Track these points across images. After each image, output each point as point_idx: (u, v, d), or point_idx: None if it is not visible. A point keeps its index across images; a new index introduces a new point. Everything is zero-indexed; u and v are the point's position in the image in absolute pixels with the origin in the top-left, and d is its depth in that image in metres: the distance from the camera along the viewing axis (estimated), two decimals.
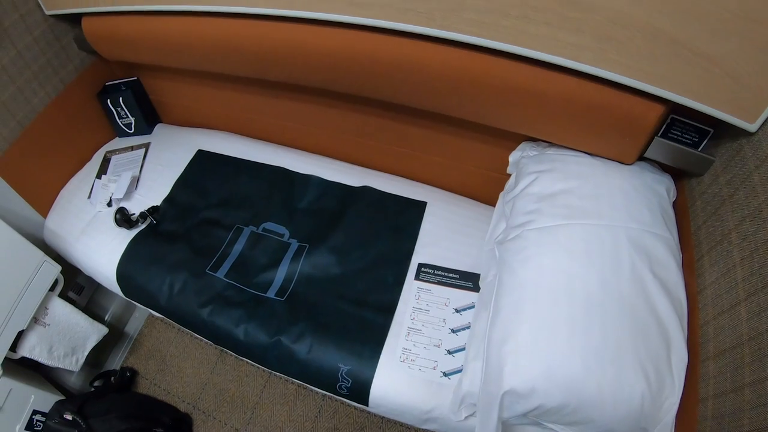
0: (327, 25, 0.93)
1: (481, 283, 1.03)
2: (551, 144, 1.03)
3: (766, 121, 0.73)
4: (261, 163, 1.38)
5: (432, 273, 1.10)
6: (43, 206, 1.39)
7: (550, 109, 0.91)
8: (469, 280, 1.07)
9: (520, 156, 1.08)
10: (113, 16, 1.21)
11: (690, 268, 0.83)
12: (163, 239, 1.23)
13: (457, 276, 1.08)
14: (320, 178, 1.31)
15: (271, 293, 1.11)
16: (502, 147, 1.11)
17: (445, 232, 1.16)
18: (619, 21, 0.73)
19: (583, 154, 0.99)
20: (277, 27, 0.98)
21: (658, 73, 0.77)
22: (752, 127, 0.74)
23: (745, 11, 0.65)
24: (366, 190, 1.26)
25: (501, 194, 1.10)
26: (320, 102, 1.24)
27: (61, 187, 1.44)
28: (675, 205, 0.94)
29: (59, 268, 1.21)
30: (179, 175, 1.38)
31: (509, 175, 1.12)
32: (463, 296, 1.06)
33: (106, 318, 1.58)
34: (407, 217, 1.19)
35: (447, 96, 0.97)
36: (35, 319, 1.15)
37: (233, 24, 1.02)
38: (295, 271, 1.14)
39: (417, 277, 1.10)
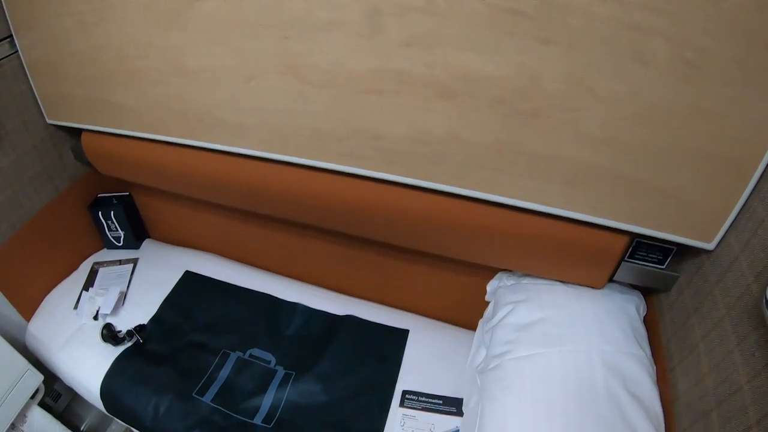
0: (318, 170, 1.00)
1: (464, 408, 1.06)
2: (526, 273, 1.10)
3: (722, 239, 0.80)
4: (248, 288, 1.42)
5: (416, 399, 1.12)
6: (27, 310, 1.39)
7: (524, 246, 0.98)
8: (452, 405, 1.10)
9: (497, 285, 1.15)
10: (113, 136, 1.27)
11: (664, 379, 0.88)
12: (149, 359, 1.24)
13: (441, 402, 1.11)
14: (306, 306, 1.36)
15: (258, 420, 1.12)
16: (481, 276, 1.18)
17: (428, 358, 1.21)
18: (584, 169, 0.82)
19: (557, 282, 1.06)
20: (270, 168, 1.04)
21: (621, 209, 0.85)
22: (710, 246, 0.82)
23: (696, 148, 0.74)
24: (350, 319, 1.32)
25: (480, 321, 1.15)
26: (307, 234, 1.30)
27: (47, 293, 1.45)
28: (646, 319, 1.00)
29: (42, 377, 1.21)
30: (166, 295, 1.42)
31: (488, 302, 1.17)
32: (448, 421, 1.08)
33: (82, 428, 1.54)
34: (391, 345, 1.24)
35: (428, 236, 1.04)
36: (13, 426, 1.14)
37: (229, 161, 1.08)
38: (282, 398, 1.16)
39: (402, 404, 1.12)
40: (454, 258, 1.10)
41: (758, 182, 0.73)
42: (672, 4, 0.66)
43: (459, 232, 1.00)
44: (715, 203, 0.77)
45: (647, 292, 1.04)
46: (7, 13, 1.25)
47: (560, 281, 1.05)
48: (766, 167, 0.72)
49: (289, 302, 1.37)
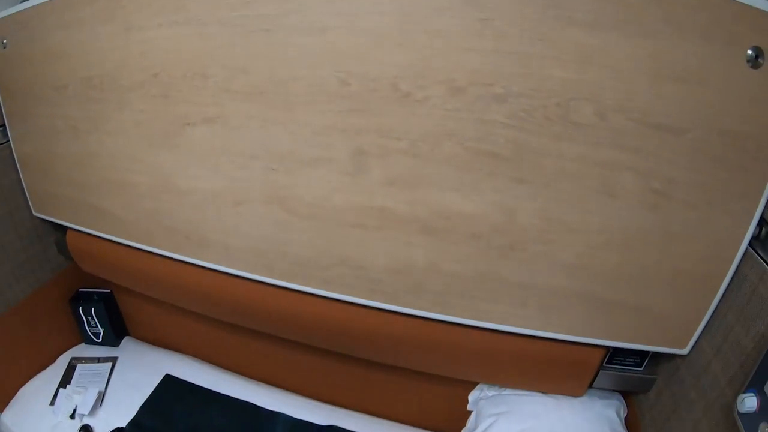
0: (303, 293, 1.01)
1: None
2: None
3: (695, 344, 0.83)
4: (229, 396, 1.39)
5: None
6: (1, 400, 1.34)
7: (503, 364, 1.00)
8: None
9: (478, 396, 1.15)
10: (98, 238, 1.26)
11: None
12: None
13: None
14: (288, 416, 1.33)
15: None
16: (462, 387, 1.18)
17: None
18: (559, 294, 0.85)
19: (537, 393, 1.06)
20: (255, 287, 1.05)
21: (596, 328, 0.87)
22: (684, 351, 0.84)
23: (667, 268, 0.78)
24: (333, 429, 1.29)
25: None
26: (290, 346, 1.29)
27: (22, 385, 1.41)
28: (627, 419, 1.01)
29: None
30: (146, 398, 1.38)
31: (470, 411, 1.16)
32: None
33: None
34: None
35: (410, 356, 1.05)
36: None
37: (214, 276, 1.08)
38: None
39: None
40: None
41: (726, 291, 0.77)
42: (639, 141, 0.72)
43: (439, 351, 1.01)
44: (687, 313, 0.81)
45: (627, 392, 1.05)
46: (0, 102, 1.27)
47: (541, 392, 1.05)
48: (733, 277, 0.76)
49: (271, 411, 1.34)
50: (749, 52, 0.65)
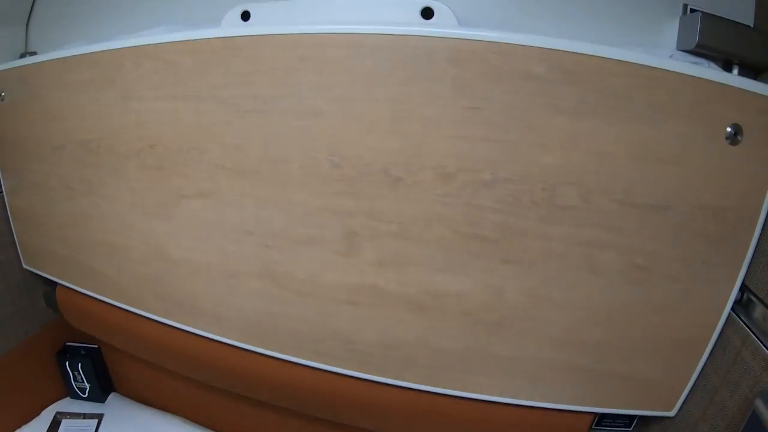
0: (294, 364, 1.01)
1: None
2: None
3: (682, 406, 0.83)
4: None
5: None
6: None
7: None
8: None
9: None
10: (89, 297, 1.26)
11: None
12: None
13: None
14: None
15: None
16: None
17: None
18: (546, 366, 0.86)
19: None
20: (247, 356, 1.04)
21: (584, 395, 0.88)
22: (671, 413, 0.85)
23: (651, 337, 0.80)
24: None
25: None
26: (281, 411, 1.28)
27: None
28: None
29: None
30: None
31: None
32: None
33: None
34: None
35: (401, 425, 1.04)
36: None
37: (205, 343, 1.08)
38: None
39: None
40: None
41: (710, 355, 0.79)
42: (622, 220, 0.74)
43: (430, 421, 1.01)
44: (673, 377, 0.82)
45: None
46: None
47: None
48: (717, 341, 0.78)
49: None
50: (728, 129, 0.68)
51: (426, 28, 0.76)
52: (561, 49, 0.71)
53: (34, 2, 1.40)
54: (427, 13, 0.80)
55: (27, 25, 1.42)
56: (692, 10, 0.83)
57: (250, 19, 0.89)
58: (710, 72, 0.69)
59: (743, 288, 0.75)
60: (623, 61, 0.69)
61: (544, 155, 0.75)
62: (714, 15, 0.80)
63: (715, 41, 0.78)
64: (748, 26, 0.80)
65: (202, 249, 0.98)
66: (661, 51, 0.82)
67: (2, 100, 1.29)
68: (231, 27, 0.89)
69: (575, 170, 0.74)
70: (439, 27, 0.77)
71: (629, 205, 0.74)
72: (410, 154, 0.79)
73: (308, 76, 0.81)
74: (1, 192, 1.39)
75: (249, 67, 0.85)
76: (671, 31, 0.84)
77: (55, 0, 1.37)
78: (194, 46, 0.90)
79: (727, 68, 0.79)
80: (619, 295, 0.79)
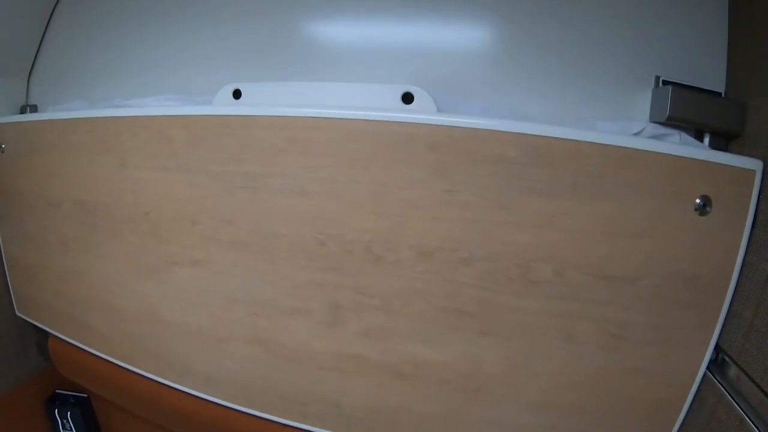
0: (281, 425, 1.03)
1: None
2: None
3: None
4: None
5: None
6: None
7: None
8: None
9: None
10: (81, 350, 1.28)
11: None
12: None
13: None
14: None
15: None
16: None
17: None
18: (525, 428, 0.88)
19: None
20: (235, 416, 1.07)
21: None
22: None
23: (627, 399, 0.82)
24: None
25: None
26: None
27: None
28: None
29: None
30: None
31: None
32: None
33: None
34: None
35: None
36: None
37: (195, 402, 1.10)
38: None
39: None
40: None
41: (687, 414, 0.81)
42: (595, 292, 0.77)
43: None
44: None
45: None
46: None
47: None
48: (693, 400, 0.80)
49: None
50: (698, 201, 0.71)
51: (406, 114, 0.81)
52: (534, 133, 0.76)
53: (36, 56, 1.45)
54: (407, 98, 0.85)
55: (28, 78, 1.47)
56: (664, 82, 0.88)
57: (242, 97, 0.94)
58: (677, 147, 0.73)
59: (717, 348, 0.78)
60: (593, 142, 0.73)
61: (519, 234, 0.79)
62: (685, 86, 0.85)
63: (685, 113, 0.82)
64: (719, 94, 0.85)
65: (193, 313, 1.01)
66: (634, 124, 0.87)
67: (2, 152, 1.33)
68: (223, 105, 0.93)
69: (549, 247, 0.78)
70: (419, 112, 0.82)
71: (602, 278, 0.78)
72: (391, 234, 0.83)
73: (295, 157, 0.85)
74: None
75: (240, 145, 0.90)
76: (645, 101, 0.89)
77: (56, 56, 1.42)
78: (188, 121, 0.95)
79: (699, 136, 0.84)
80: (594, 361, 0.82)
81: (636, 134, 0.86)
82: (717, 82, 0.86)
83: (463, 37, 0.98)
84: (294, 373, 0.97)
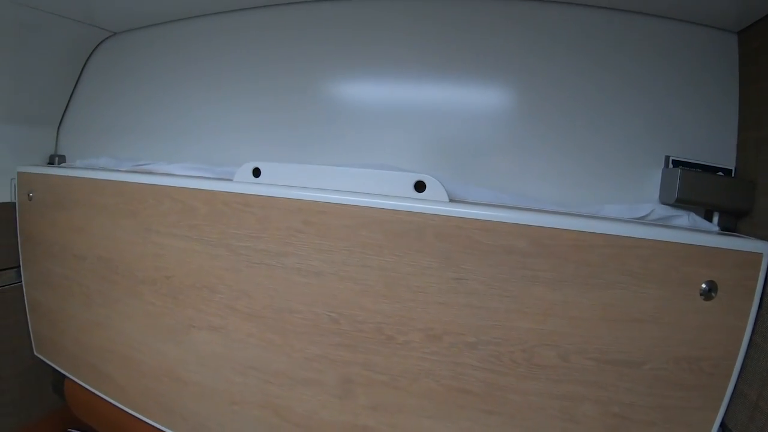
0: None
1: None
2: None
3: None
4: None
5: None
6: None
7: None
8: None
9: None
10: (96, 396, 1.33)
11: None
12: None
13: None
14: None
15: None
16: None
17: None
18: None
19: None
20: None
21: None
22: None
23: None
24: None
25: None
26: None
27: None
28: None
29: None
30: None
31: None
32: None
33: None
34: None
35: None
36: None
37: None
38: None
39: None
40: None
41: None
42: (598, 376, 0.80)
43: None
44: None
45: None
46: (19, 243, 1.40)
47: None
48: None
49: None
50: (703, 286, 0.73)
51: (417, 204, 0.85)
52: (540, 225, 0.79)
53: (66, 108, 1.53)
54: (420, 186, 0.90)
55: (58, 128, 1.54)
56: (674, 162, 0.91)
57: (261, 176, 0.99)
58: (684, 235, 0.73)
59: (723, 427, 0.79)
60: (599, 233, 0.76)
61: (524, 320, 0.83)
62: (694, 166, 0.88)
63: (694, 195, 0.85)
64: (729, 172, 0.87)
65: (208, 375, 1.06)
66: (643, 206, 0.91)
67: (30, 200, 1.39)
68: (243, 183, 0.99)
69: (553, 333, 0.82)
70: (430, 203, 0.86)
71: (605, 362, 0.80)
72: (401, 316, 0.87)
73: (311, 239, 0.91)
74: (20, 281, 1.48)
75: (258, 223, 0.95)
76: (654, 181, 0.93)
77: (86, 110, 1.50)
78: (209, 195, 1.01)
79: (708, 215, 0.87)
80: None
81: (644, 216, 0.89)
82: (727, 160, 0.89)
83: (475, 108, 1.03)
84: None
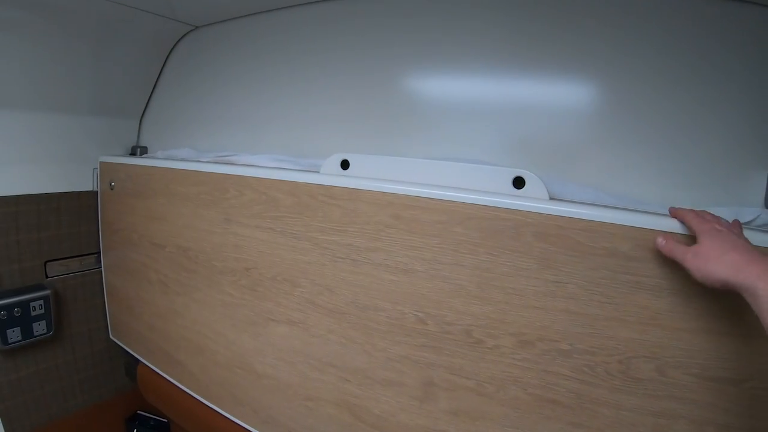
0: None
1: None
2: None
3: None
4: None
5: None
6: None
7: None
8: None
9: None
10: (168, 381, 1.35)
11: None
12: None
13: None
14: None
15: None
16: None
17: None
18: None
19: None
20: None
21: None
22: None
23: None
24: None
25: None
26: None
27: None
28: None
29: None
30: None
31: None
32: None
33: None
34: None
35: None
36: None
37: None
38: None
39: None
40: None
41: None
42: (696, 393, 0.74)
43: None
44: None
45: None
46: (100, 230, 1.45)
47: None
48: None
49: None
50: None
51: (516, 200, 0.81)
52: (645, 227, 0.74)
53: (149, 101, 1.58)
54: (518, 182, 0.85)
55: (140, 120, 1.60)
56: None
57: (349, 168, 0.98)
58: None
59: None
60: None
61: (623, 330, 0.77)
62: None
63: None
64: None
65: (284, 369, 1.05)
66: (748, 210, 0.84)
67: (112, 189, 1.44)
68: (330, 175, 0.97)
69: (652, 345, 0.76)
70: (529, 199, 0.82)
71: (705, 378, 0.74)
72: (492, 320, 0.83)
73: (400, 235, 0.88)
74: (100, 267, 1.53)
75: (345, 217, 0.93)
76: (758, 186, 0.87)
77: (167, 102, 1.54)
78: (295, 187, 1.00)
79: None
80: None
81: (750, 222, 0.83)
82: None
83: (566, 104, 0.98)
84: None
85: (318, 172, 0.99)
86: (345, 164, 0.97)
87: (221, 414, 1.22)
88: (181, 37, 1.49)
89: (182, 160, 1.30)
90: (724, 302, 0.70)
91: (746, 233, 0.70)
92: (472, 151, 1.01)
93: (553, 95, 0.99)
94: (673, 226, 0.72)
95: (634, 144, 0.94)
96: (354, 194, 0.92)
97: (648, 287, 0.74)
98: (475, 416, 0.87)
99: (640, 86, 0.93)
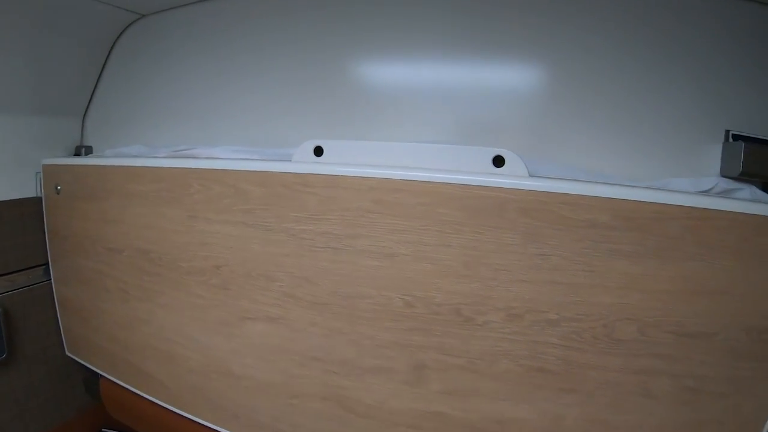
0: None
1: None
2: None
3: None
4: None
5: None
6: None
7: None
8: None
9: None
10: (134, 394, 1.27)
11: None
12: None
13: None
14: None
15: None
16: None
17: None
18: None
19: None
20: None
21: None
22: None
23: None
24: None
25: None
26: None
27: None
28: None
29: None
30: None
31: None
32: None
33: None
34: None
35: None
36: None
37: None
38: None
39: None
40: None
41: None
42: (674, 349, 0.77)
43: None
44: None
45: None
46: (47, 239, 1.34)
47: None
48: None
49: None
50: None
51: (497, 178, 0.81)
52: (623, 198, 0.76)
53: (91, 97, 1.46)
54: (498, 161, 0.85)
55: (83, 118, 1.48)
56: (734, 136, 0.89)
57: (323, 154, 0.94)
58: (757, 207, 0.73)
59: None
60: (679, 205, 0.74)
61: (605, 295, 0.79)
62: (756, 140, 0.86)
63: (759, 168, 0.84)
64: None
65: (265, 369, 1.01)
66: (706, 180, 0.88)
67: (58, 193, 1.33)
68: (305, 163, 0.93)
69: (633, 307, 0.79)
70: (510, 177, 0.82)
71: (681, 335, 0.78)
72: (480, 297, 0.83)
73: (383, 219, 0.86)
74: (50, 279, 1.42)
75: (321, 205, 0.90)
76: (712, 156, 0.91)
77: (113, 98, 1.44)
78: (266, 177, 0.95)
79: (766, 188, 0.86)
80: (670, 414, 0.81)
81: (709, 190, 0.87)
82: None
83: (535, 89, 1.00)
84: (367, 430, 0.96)
85: (290, 161, 0.95)
86: (318, 151, 0.94)
87: (198, 423, 1.15)
88: (127, 27, 1.39)
89: (136, 156, 1.22)
90: (695, 264, 0.74)
91: (706, 200, 0.74)
92: (430, 135, 1.01)
93: (508, 78, 1.00)
94: (647, 195, 0.75)
95: (594, 123, 0.97)
96: (332, 181, 0.89)
97: (626, 254, 0.77)
98: (467, 393, 0.87)
99: (596, 66, 0.96)
